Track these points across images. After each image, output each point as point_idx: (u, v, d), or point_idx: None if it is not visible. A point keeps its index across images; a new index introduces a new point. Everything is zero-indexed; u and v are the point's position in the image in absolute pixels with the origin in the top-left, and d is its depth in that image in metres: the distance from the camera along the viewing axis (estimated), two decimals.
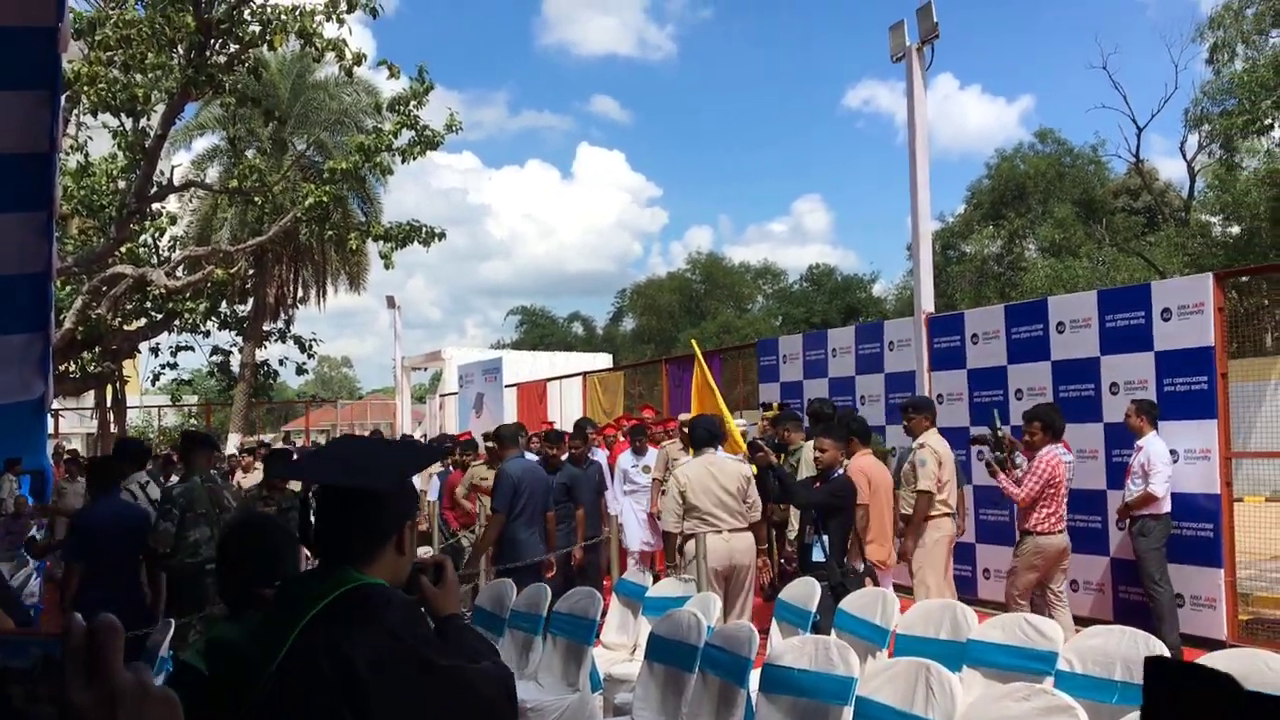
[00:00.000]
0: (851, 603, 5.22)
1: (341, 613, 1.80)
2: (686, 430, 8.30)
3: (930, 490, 7.01)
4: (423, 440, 18.20)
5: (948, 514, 7.15)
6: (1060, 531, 6.78)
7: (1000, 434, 7.25)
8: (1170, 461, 7.27)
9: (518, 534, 7.26)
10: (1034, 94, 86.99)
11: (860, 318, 46.97)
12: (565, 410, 17.31)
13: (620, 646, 6.25)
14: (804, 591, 5.52)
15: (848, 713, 3.72)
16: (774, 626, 5.78)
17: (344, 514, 1.93)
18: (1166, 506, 7.21)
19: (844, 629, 5.11)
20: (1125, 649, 3.88)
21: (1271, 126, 23.97)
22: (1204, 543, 7.39)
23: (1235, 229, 27.66)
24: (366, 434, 23.82)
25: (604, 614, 6.17)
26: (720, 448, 6.93)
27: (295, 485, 7.49)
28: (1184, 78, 77.78)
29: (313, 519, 2.01)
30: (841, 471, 6.23)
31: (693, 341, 10.82)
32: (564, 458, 8.67)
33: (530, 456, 8.35)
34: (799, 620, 5.39)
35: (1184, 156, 32.42)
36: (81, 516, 6.57)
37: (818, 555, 6.04)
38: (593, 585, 7.34)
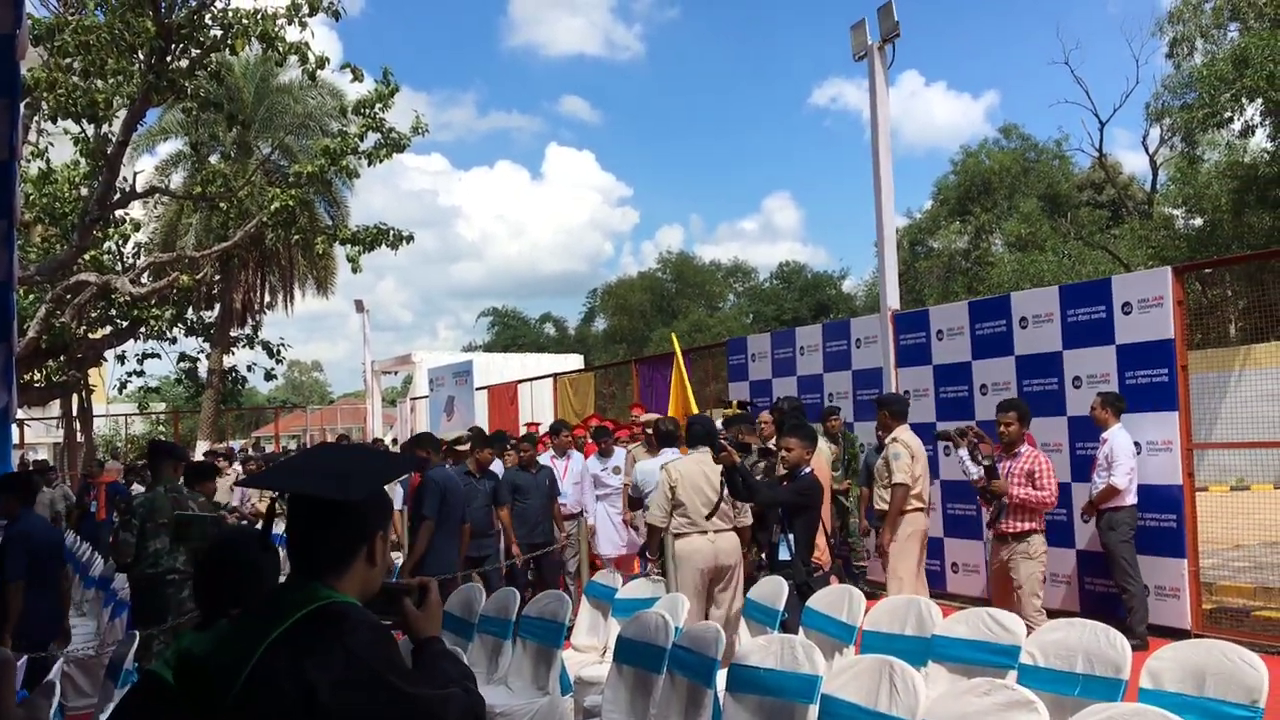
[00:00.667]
0: (819, 600, 5.25)
1: (308, 632, 1.79)
2: (651, 431, 8.31)
3: (905, 483, 7.05)
4: (392, 445, 18.13)
5: (920, 509, 7.19)
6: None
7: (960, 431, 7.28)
8: (1134, 453, 7.36)
9: (436, 543, 7.32)
10: (998, 90, 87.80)
11: (831, 314, 47.18)
12: (536, 412, 17.28)
13: (590, 649, 6.26)
14: (772, 590, 5.54)
15: (813, 711, 3.75)
16: (741, 625, 5.82)
17: (313, 525, 1.91)
18: (1132, 498, 7.31)
19: (812, 626, 5.14)
20: (1086, 642, 3.92)
21: (1231, 120, 24.26)
22: (1167, 533, 7.48)
23: (1197, 221, 27.99)
24: (335, 438, 23.69)
25: (574, 616, 6.18)
26: None
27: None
28: (1145, 72, 78.72)
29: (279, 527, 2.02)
30: (809, 470, 6.24)
31: (673, 337, 10.78)
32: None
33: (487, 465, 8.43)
34: (767, 619, 5.42)
35: (1146, 150, 32.86)
36: (16, 532, 6.26)
37: (784, 554, 6.06)
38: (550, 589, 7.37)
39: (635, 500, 7.58)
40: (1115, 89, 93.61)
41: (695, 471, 6.36)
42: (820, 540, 6.50)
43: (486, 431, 11.40)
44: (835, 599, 5.12)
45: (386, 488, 2.16)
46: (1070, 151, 35.01)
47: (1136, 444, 7.53)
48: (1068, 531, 8.09)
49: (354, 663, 1.77)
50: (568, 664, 5.58)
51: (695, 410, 8.79)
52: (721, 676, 4.24)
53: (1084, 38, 70.91)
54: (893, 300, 9.92)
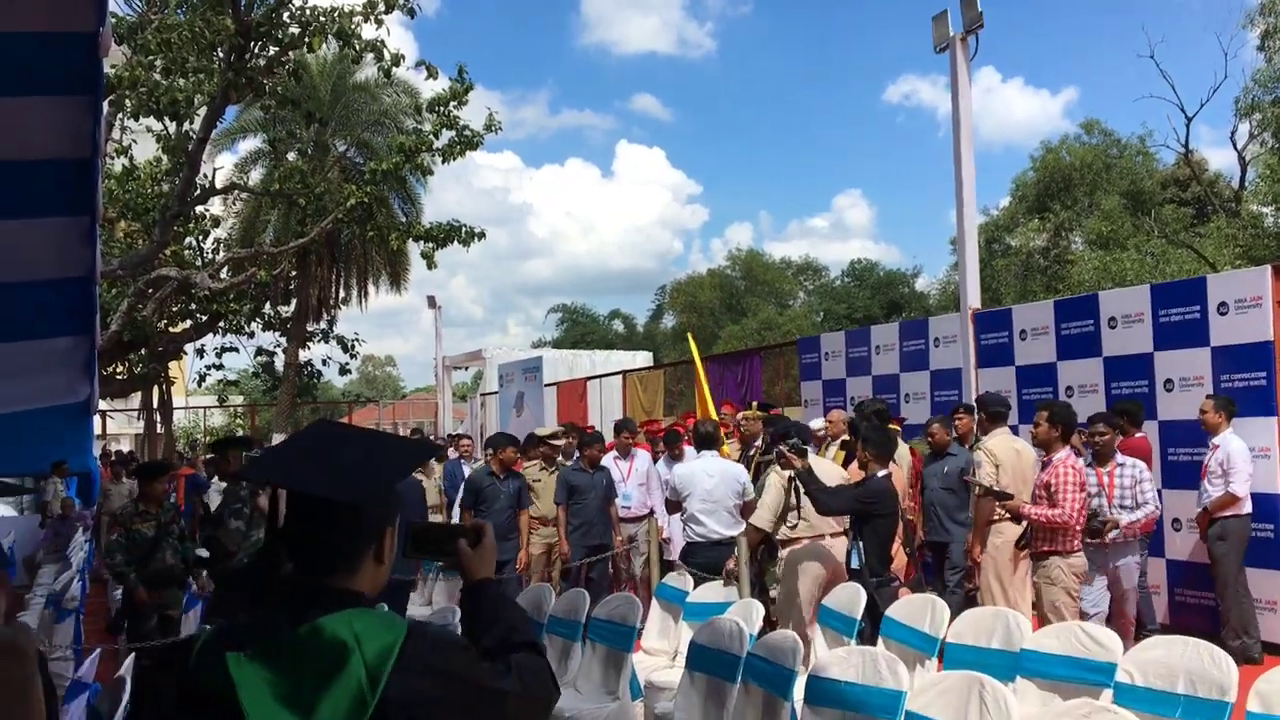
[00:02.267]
0: (900, 610, 5.07)
1: (397, 663, 1.66)
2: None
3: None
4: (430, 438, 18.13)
5: (1008, 518, 6.83)
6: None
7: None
8: (1250, 459, 6.94)
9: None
10: (1077, 86, 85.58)
11: (903, 313, 46.53)
12: (605, 409, 17.24)
13: (661, 652, 6.14)
14: (849, 597, 5.38)
15: None
16: (817, 634, 5.65)
17: (316, 522, 1.77)
18: (1248, 507, 6.91)
19: (892, 637, 4.97)
20: (1188, 661, 3.71)
21: None
22: (1266, 544, 7.14)
23: None
24: (409, 432, 23.88)
25: (644, 619, 6.06)
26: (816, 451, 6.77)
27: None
28: (1233, 66, 76.27)
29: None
30: (880, 476, 6.05)
31: (690, 339, 10.58)
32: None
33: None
34: (844, 628, 5.26)
35: (1234, 146, 31.77)
36: None
37: (854, 562, 5.89)
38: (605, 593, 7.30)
39: (673, 504, 7.39)
40: (1202, 83, 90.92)
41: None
42: (898, 548, 6.32)
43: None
44: (917, 609, 4.94)
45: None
46: (1154, 148, 34.02)
47: None
48: (1157, 540, 7.77)
49: (449, 681, 1.70)
50: (637, 667, 5.47)
51: (713, 414, 8.56)
52: (799, 687, 4.09)
53: (1169, 32, 68.91)
54: (974, 299, 9.65)
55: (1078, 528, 5.96)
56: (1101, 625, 5.89)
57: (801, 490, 6.06)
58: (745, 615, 4.85)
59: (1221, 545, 6.92)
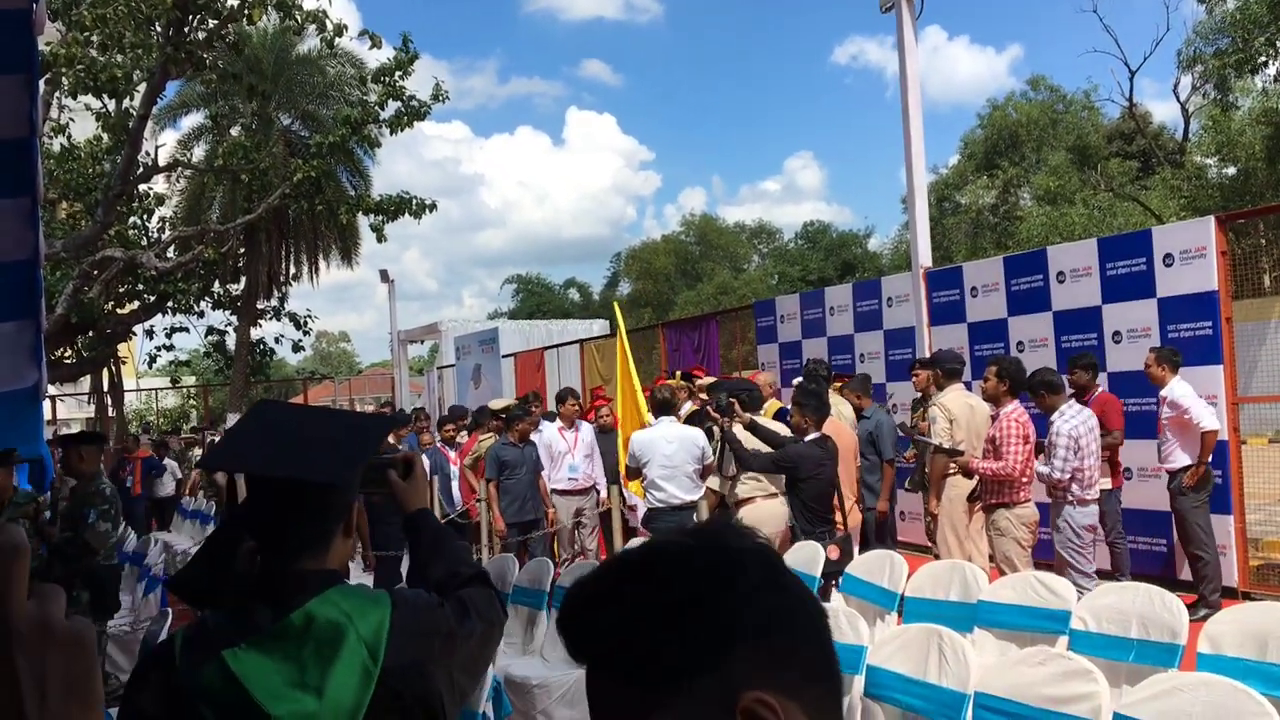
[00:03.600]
0: (859, 566, 5.15)
1: (389, 634, 1.72)
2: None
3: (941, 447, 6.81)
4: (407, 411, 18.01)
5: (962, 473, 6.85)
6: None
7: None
8: (1199, 396, 6.93)
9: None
10: (1022, 42, 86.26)
11: (857, 273, 46.80)
12: (564, 379, 17.21)
13: None
14: (807, 556, 5.44)
15: (859, 681, 3.66)
16: None
17: (286, 506, 1.76)
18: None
19: (852, 593, 5.05)
20: (1141, 606, 3.80)
21: (1266, 64, 23.71)
22: (1216, 490, 7.30)
23: (1231, 170, 27.43)
24: (377, 409, 23.72)
25: None
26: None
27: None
28: (1174, 19, 76.85)
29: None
30: (810, 439, 6.08)
31: (615, 306, 10.55)
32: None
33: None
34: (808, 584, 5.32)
35: (1177, 99, 32.14)
36: None
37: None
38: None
39: (633, 470, 7.43)
40: (1144, 37, 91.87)
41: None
42: (844, 502, 6.33)
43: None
44: (875, 565, 5.01)
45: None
46: (1099, 102, 34.33)
47: None
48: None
49: (429, 640, 1.77)
50: None
51: (637, 386, 8.51)
52: None
53: None
54: (925, 258, 9.73)
55: (1023, 480, 6.03)
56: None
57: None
58: None
59: (1183, 499, 6.90)
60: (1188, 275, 7.47)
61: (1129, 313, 7.88)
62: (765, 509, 6.26)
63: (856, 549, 6.28)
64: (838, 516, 6.20)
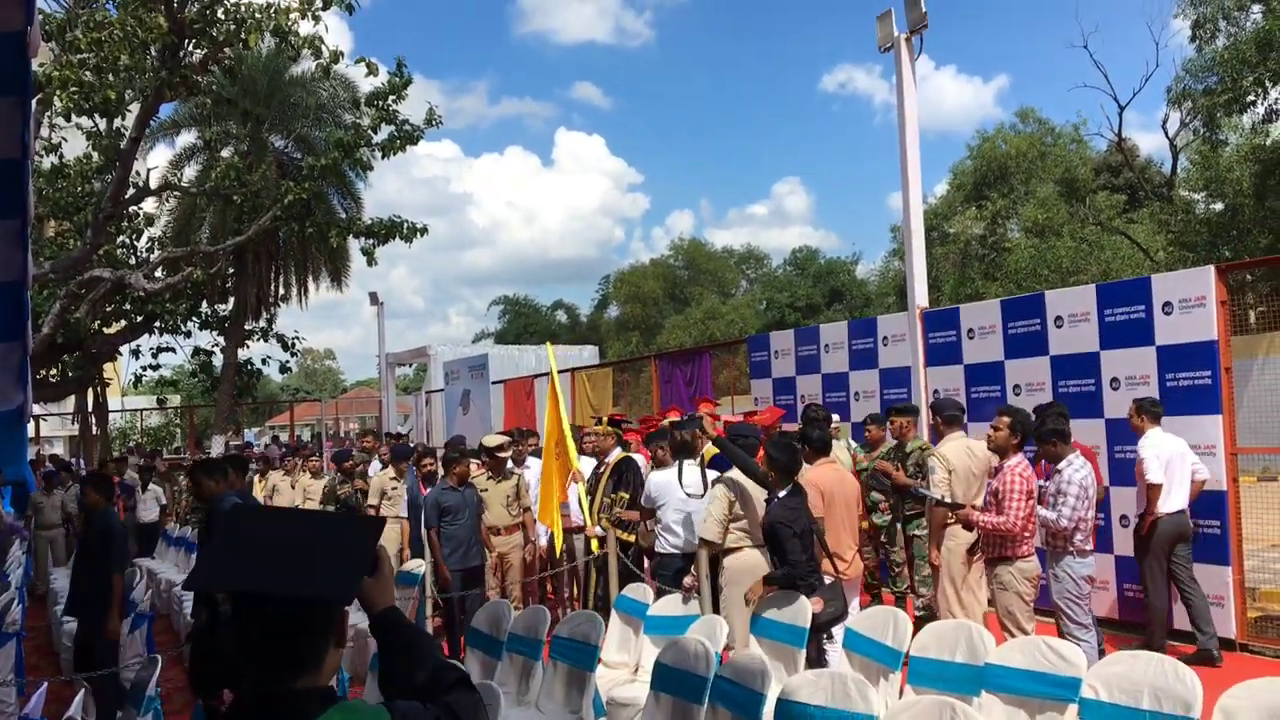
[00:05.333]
0: (861, 622, 5.07)
1: None
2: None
3: (942, 499, 6.72)
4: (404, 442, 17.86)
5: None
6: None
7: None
8: (1159, 453, 6.93)
9: None
10: (1010, 74, 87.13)
11: (844, 300, 46.94)
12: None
13: (621, 665, 6.09)
14: (795, 609, 5.33)
15: None
16: (752, 643, 5.53)
17: (283, 623, 1.69)
18: (1176, 504, 6.96)
19: (855, 650, 4.98)
20: (1153, 676, 3.74)
21: (1254, 103, 23.89)
22: (1212, 540, 7.28)
23: (1218, 206, 27.60)
24: (359, 433, 23.49)
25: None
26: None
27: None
28: (1164, 55, 77.77)
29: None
30: (778, 497, 5.87)
31: (549, 347, 10.37)
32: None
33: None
34: (791, 639, 5.23)
35: (1165, 134, 32.38)
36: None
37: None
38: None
39: (647, 510, 7.31)
40: (1133, 72, 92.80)
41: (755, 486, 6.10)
42: (834, 548, 6.10)
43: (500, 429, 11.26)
44: (879, 622, 4.94)
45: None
46: (1088, 136, 34.62)
47: None
48: (1105, 536, 7.89)
49: None
50: (598, 682, 5.42)
51: (565, 424, 8.22)
52: (768, 712, 4.05)
53: (1102, 21, 70.13)
54: (921, 298, 9.70)
55: (1025, 534, 5.96)
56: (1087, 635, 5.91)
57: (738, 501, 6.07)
58: (710, 634, 4.82)
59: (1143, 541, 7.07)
60: (1187, 324, 7.46)
61: (1127, 359, 7.86)
62: (751, 558, 6.14)
63: (857, 601, 6.19)
64: (830, 564, 6.03)
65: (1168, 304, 7.58)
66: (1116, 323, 7.96)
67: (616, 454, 8.37)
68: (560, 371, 17.82)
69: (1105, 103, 59.51)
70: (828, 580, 5.80)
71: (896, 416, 8.07)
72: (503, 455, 8.43)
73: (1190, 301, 7.43)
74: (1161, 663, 3.77)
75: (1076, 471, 5.96)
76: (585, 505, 8.12)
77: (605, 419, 9.46)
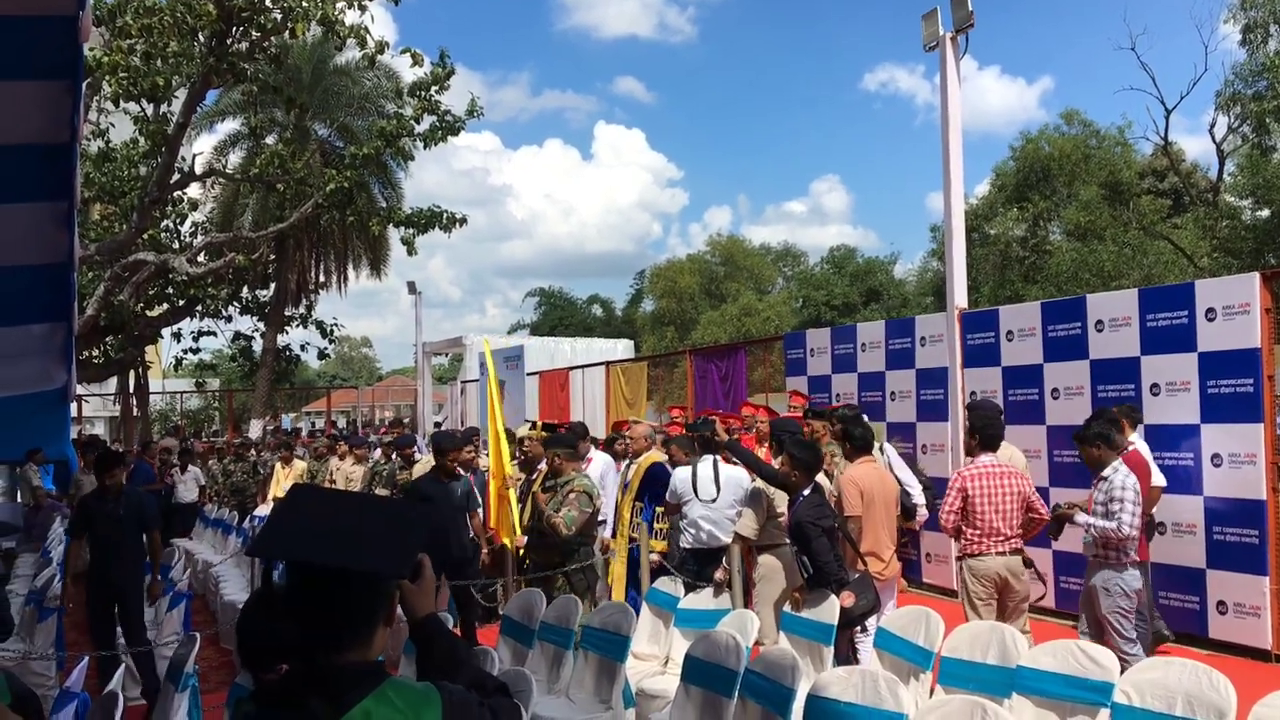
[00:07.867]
0: (894, 622, 5.07)
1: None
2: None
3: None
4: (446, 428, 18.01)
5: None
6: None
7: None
8: (1230, 453, 7.08)
9: None
10: (1053, 75, 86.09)
11: (881, 300, 46.67)
12: (588, 399, 17.17)
13: (651, 657, 6.12)
14: (823, 605, 5.36)
15: None
16: (782, 639, 5.58)
17: (340, 597, 1.72)
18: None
19: (886, 649, 4.98)
20: (1187, 683, 3.72)
21: None
22: (1249, 549, 7.18)
23: (1265, 212, 27.21)
24: (391, 419, 23.69)
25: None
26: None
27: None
28: (1213, 59, 76.51)
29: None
30: (807, 493, 5.89)
31: (485, 343, 10.32)
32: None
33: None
34: (819, 635, 5.27)
35: (1213, 138, 31.94)
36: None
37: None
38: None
39: (673, 506, 7.34)
40: (1180, 76, 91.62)
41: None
42: (873, 547, 6.08)
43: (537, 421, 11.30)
44: (911, 621, 4.93)
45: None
46: (1133, 139, 34.19)
47: (1215, 456, 7.30)
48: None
49: None
50: (628, 673, 5.45)
51: (500, 430, 7.92)
52: (797, 708, 4.06)
53: (1150, 24, 69.18)
54: (960, 299, 9.61)
55: (957, 531, 6.10)
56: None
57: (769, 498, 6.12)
58: (741, 628, 4.83)
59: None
60: (1230, 331, 7.36)
61: (1169, 365, 7.78)
62: (785, 555, 6.17)
63: (893, 602, 6.17)
64: (862, 564, 6.01)
65: (1211, 310, 7.49)
66: (1158, 328, 7.88)
67: (646, 457, 8.26)
68: (595, 365, 17.95)
69: (1151, 105, 58.78)
70: (855, 574, 5.82)
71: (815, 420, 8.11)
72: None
73: (1234, 308, 7.33)
74: (1196, 670, 3.75)
75: (1127, 478, 5.87)
76: (516, 512, 7.68)
77: (540, 424, 9.48)
